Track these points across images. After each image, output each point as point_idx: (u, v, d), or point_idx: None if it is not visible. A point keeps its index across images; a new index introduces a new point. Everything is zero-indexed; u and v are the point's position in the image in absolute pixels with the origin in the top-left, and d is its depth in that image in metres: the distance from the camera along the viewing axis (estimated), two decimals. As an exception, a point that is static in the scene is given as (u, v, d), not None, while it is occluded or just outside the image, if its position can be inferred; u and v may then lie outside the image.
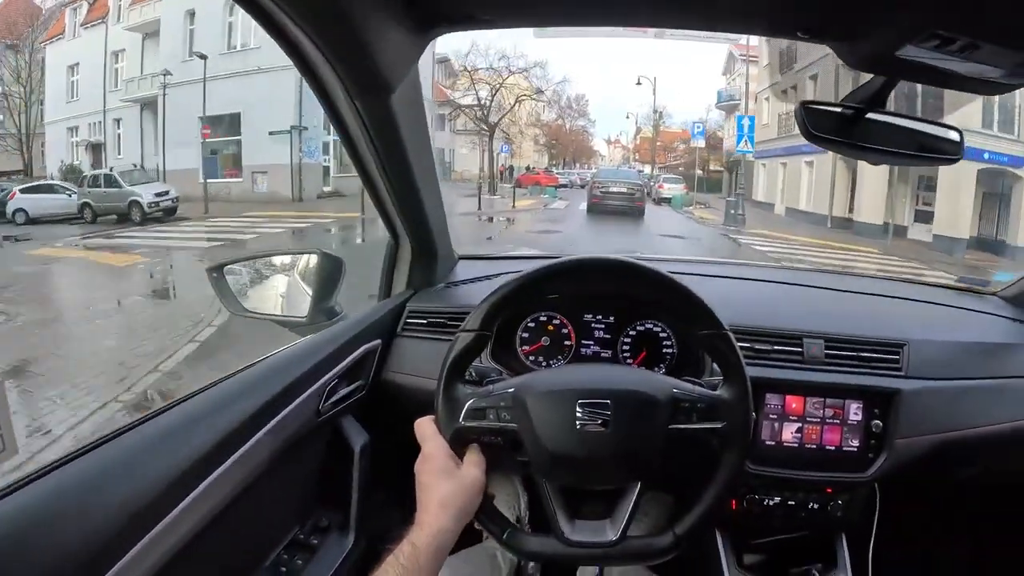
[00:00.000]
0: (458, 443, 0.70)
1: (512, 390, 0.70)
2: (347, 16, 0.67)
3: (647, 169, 32.67)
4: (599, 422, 0.68)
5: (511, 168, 28.71)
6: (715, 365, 0.81)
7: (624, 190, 13.73)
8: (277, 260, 1.22)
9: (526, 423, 0.68)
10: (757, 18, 0.75)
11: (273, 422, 0.79)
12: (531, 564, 1.09)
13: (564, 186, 26.24)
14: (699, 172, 23.93)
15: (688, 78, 61.85)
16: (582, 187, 24.59)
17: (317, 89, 0.82)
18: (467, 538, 0.86)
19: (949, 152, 0.85)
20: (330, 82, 0.80)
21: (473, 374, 0.76)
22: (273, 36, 0.70)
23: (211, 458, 0.69)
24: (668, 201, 19.53)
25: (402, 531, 0.64)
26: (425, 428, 0.71)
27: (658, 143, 33.07)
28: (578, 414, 0.68)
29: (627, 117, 36.71)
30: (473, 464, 0.69)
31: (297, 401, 0.85)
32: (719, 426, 0.70)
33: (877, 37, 0.67)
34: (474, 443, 0.71)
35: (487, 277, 1.22)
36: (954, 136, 0.85)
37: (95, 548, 0.55)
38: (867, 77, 0.77)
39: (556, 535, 0.70)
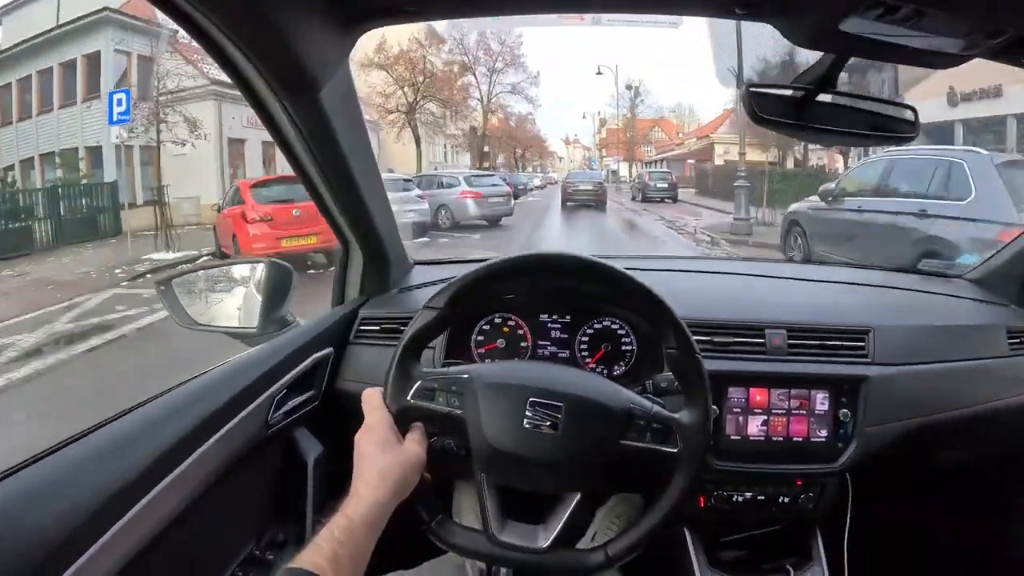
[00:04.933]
0: (403, 420, 0.69)
1: (466, 376, 0.70)
2: (267, 14, 0.64)
3: (622, 168, 28.63)
4: (548, 424, 0.66)
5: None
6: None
7: (590, 187, 16.70)
8: (227, 270, 1.18)
9: (473, 412, 0.68)
10: None
11: (219, 435, 0.77)
12: (503, 572, 1.06)
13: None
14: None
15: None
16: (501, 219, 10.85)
17: (244, 90, 0.79)
18: (433, 548, 0.83)
19: (903, 131, 0.83)
20: (256, 83, 0.77)
21: None
22: (192, 35, 0.66)
23: (152, 473, 0.66)
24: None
25: (336, 504, 0.62)
26: (372, 399, 0.71)
27: (632, 133, 27.56)
28: (527, 413, 0.67)
29: (599, 72, 26.33)
30: (415, 441, 0.69)
31: (244, 413, 0.82)
32: (672, 450, 0.68)
33: (818, 10, 0.64)
34: (418, 422, 0.70)
35: (444, 280, 1.18)
36: (908, 115, 0.83)
37: (26, 571, 0.51)
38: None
39: (485, 533, 0.68)
